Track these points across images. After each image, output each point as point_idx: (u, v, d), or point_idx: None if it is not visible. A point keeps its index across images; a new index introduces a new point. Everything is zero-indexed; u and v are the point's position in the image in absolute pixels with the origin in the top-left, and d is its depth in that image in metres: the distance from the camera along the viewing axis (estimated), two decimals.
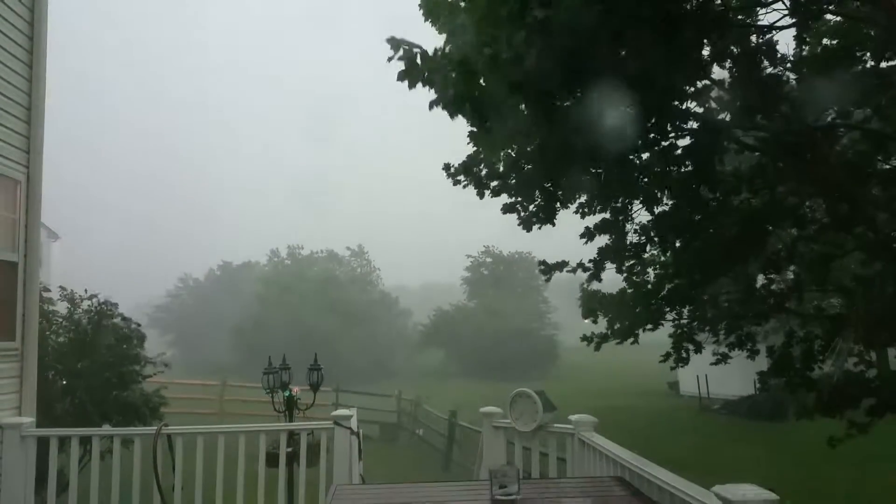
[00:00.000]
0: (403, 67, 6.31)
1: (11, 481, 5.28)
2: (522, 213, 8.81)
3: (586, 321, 9.89)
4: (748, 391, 22.94)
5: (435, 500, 3.96)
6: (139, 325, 11.50)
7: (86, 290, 11.13)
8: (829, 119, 7.90)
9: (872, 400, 7.93)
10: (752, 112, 7.54)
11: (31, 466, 5.39)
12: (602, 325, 9.63)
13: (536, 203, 8.71)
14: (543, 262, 9.36)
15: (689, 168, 8.08)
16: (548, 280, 9.54)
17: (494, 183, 8.79)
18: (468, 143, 8.03)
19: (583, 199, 8.72)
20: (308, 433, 5.81)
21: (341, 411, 5.67)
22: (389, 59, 6.32)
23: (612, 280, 9.54)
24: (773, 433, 19.65)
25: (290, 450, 5.84)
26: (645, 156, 8.08)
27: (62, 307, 11.00)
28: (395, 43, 6.28)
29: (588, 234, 8.70)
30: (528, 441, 5.46)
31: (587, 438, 4.90)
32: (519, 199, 8.79)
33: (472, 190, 8.91)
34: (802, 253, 8.52)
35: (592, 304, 9.45)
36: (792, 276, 9.27)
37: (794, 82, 7.72)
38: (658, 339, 9.77)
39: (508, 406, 5.50)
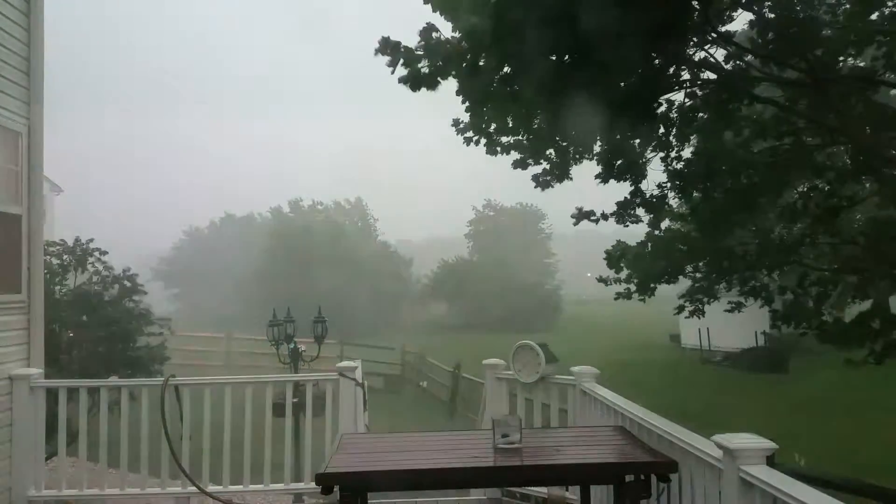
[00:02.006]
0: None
1: (22, 431, 5.37)
2: (536, 172, 8.82)
3: (588, 275, 10.02)
4: (749, 344, 23.14)
5: (439, 448, 4.02)
6: (136, 274, 11.56)
7: (77, 239, 11.14)
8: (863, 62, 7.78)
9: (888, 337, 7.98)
10: (782, 57, 7.41)
11: (40, 417, 5.47)
12: (622, 276, 9.75)
13: (549, 159, 8.68)
14: (578, 209, 9.42)
15: (710, 114, 8.04)
16: (576, 224, 9.62)
17: (505, 139, 8.73)
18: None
19: (597, 149, 8.67)
20: (313, 384, 5.89)
21: (346, 363, 5.72)
22: (375, 52, 7.28)
23: (631, 235, 9.60)
24: (772, 385, 19.86)
25: (295, 400, 5.92)
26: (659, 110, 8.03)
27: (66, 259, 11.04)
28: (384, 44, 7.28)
29: (603, 177, 8.64)
30: (531, 392, 5.52)
31: (589, 389, 4.94)
32: (531, 158, 8.77)
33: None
34: (818, 203, 8.49)
35: (615, 255, 9.54)
36: (805, 225, 9.25)
37: (829, 25, 7.57)
38: (663, 292, 9.82)
39: (511, 358, 5.54)
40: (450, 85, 7.61)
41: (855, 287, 8.54)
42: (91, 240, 11.31)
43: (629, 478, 3.66)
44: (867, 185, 8.64)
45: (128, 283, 11.19)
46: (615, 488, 3.82)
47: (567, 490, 5.22)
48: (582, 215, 9.36)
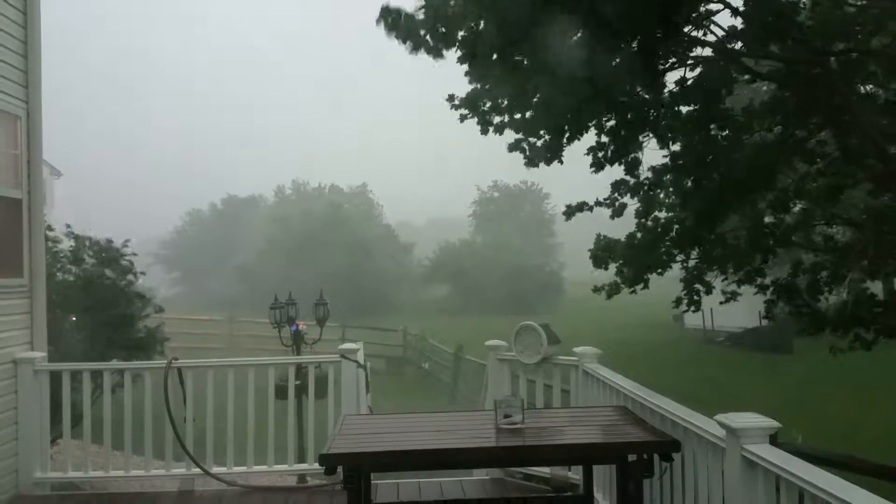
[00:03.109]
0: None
1: (27, 414, 5.40)
2: (528, 151, 8.75)
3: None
4: (752, 323, 23.13)
5: (441, 429, 4.03)
6: (135, 254, 11.57)
7: (67, 226, 11.17)
8: (843, 46, 7.71)
9: (880, 325, 7.98)
10: (764, 40, 7.36)
11: (45, 399, 5.49)
12: (612, 272, 9.58)
13: (543, 140, 8.61)
14: (568, 206, 9.33)
15: (698, 106, 7.98)
16: (567, 219, 9.54)
17: (497, 119, 8.68)
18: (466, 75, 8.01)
19: (591, 134, 8.62)
20: (315, 366, 5.90)
21: (348, 345, 5.73)
22: (377, 21, 7.21)
23: (621, 226, 9.50)
24: (775, 365, 19.89)
25: (298, 382, 5.94)
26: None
27: (67, 244, 11.04)
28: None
29: (598, 164, 8.63)
30: (533, 373, 5.53)
31: (591, 370, 4.95)
32: (524, 136, 8.70)
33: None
34: (811, 188, 8.45)
35: (603, 251, 9.41)
36: (800, 210, 9.22)
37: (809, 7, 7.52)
38: (664, 275, 9.76)
39: (513, 339, 5.54)
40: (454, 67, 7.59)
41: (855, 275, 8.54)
42: (114, 242, 11.36)
43: (632, 457, 3.67)
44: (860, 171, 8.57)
45: (126, 262, 11.18)
46: (618, 468, 3.84)
47: (569, 470, 5.24)
48: (573, 210, 9.26)
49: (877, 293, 8.72)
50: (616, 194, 8.91)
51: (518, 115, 8.44)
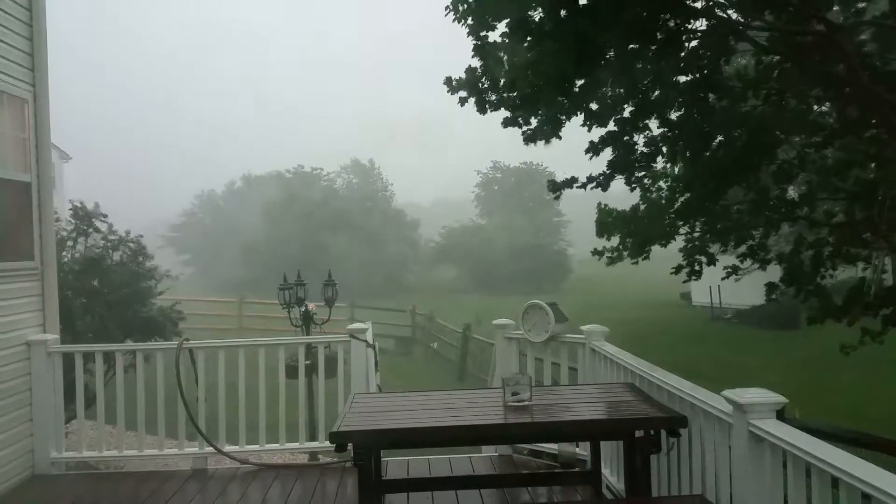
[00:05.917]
0: None
1: (41, 396, 5.47)
2: (525, 127, 8.65)
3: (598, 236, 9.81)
4: (760, 301, 23.08)
5: (450, 406, 4.06)
6: (141, 235, 11.60)
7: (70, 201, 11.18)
8: (843, 16, 7.60)
9: (888, 309, 7.91)
10: (760, 7, 7.23)
11: (58, 381, 5.56)
12: (615, 241, 9.56)
13: (539, 117, 8.51)
14: (552, 181, 9.27)
15: (696, 75, 7.89)
16: (557, 198, 9.47)
17: (494, 97, 8.58)
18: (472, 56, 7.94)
19: (591, 108, 8.52)
20: (325, 346, 5.94)
21: (357, 325, 5.77)
22: None
23: (626, 198, 9.44)
24: (783, 341, 19.89)
25: (308, 362, 5.99)
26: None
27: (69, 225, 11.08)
28: None
29: (593, 149, 8.55)
30: (541, 352, 5.55)
31: (598, 347, 4.96)
32: (520, 112, 8.59)
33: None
34: (814, 160, 8.34)
35: (606, 221, 9.35)
36: (804, 184, 9.13)
37: None
38: (670, 250, 9.73)
39: (521, 318, 5.56)
40: (455, 55, 7.50)
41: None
42: (98, 207, 11.35)
43: (639, 433, 3.70)
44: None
45: (133, 245, 11.22)
46: (625, 444, 3.87)
47: (577, 446, 5.28)
48: (561, 185, 9.14)
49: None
50: (611, 171, 8.82)
51: (514, 94, 8.33)
